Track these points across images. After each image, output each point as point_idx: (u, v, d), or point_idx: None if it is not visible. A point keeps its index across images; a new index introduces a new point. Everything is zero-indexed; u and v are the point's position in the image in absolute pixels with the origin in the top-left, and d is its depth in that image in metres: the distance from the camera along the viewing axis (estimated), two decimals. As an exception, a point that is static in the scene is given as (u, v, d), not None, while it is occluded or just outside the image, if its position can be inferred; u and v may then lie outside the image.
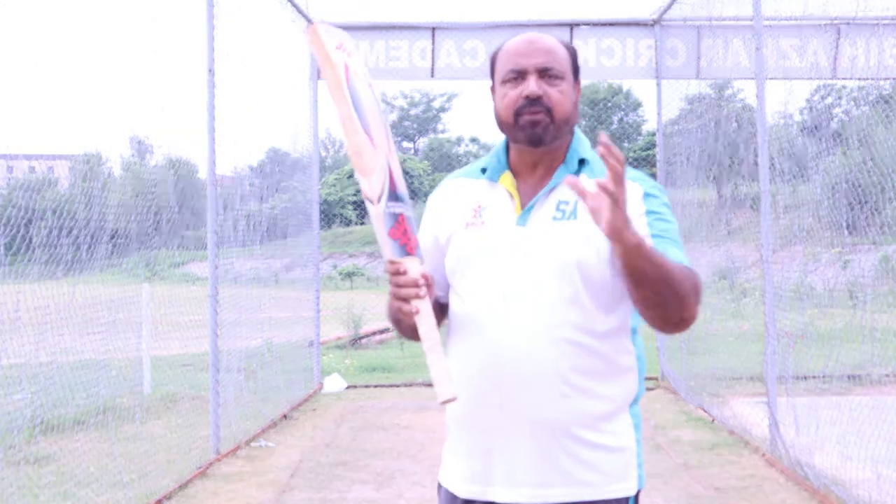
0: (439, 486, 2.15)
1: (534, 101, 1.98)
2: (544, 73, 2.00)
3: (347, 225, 39.93)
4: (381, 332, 13.61)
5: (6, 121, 4.29)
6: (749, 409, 6.99)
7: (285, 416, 7.88)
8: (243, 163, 7.71)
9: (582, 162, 2.05)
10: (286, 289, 9.33)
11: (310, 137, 9.44)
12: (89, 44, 5.03)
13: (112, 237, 5.48)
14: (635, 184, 2.01)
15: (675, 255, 1.89)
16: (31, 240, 4.60)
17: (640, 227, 1.92)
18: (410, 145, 63.38)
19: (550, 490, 1.96)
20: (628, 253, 1.74)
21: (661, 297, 1.82)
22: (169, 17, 6.08)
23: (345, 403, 8.73)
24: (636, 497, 2.03)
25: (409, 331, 2.00)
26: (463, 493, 2.05)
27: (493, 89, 2.09)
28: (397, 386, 9.65)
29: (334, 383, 9.64)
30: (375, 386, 9.75)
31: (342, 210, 40.76)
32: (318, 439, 7.10)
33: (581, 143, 2.08)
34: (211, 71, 6.48)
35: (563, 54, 2.04)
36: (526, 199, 2.03)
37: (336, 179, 43.06)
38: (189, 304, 6.78)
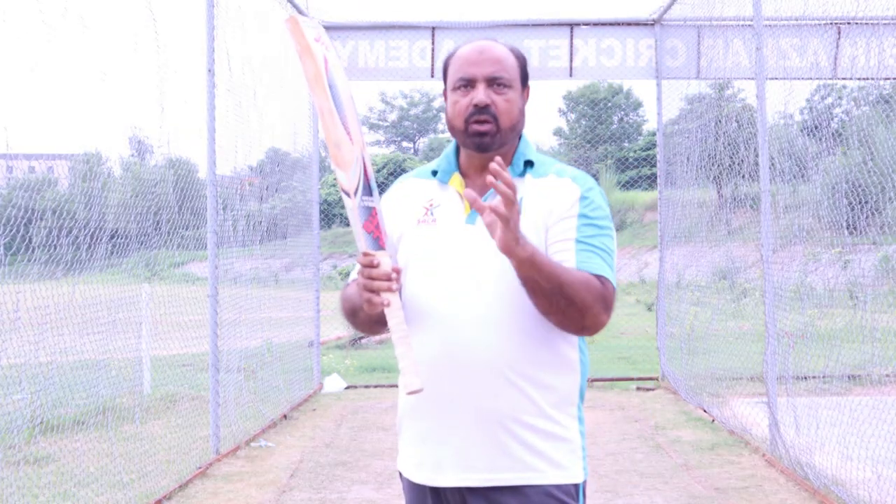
0: (400, 474, 2.25)
1: (482, 109, 2.08)
2: (493, 82, 2.10)
3: (347, 225, 39.85)
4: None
5: (6, 121, 4.28)
6: (749, 409, 6.99)
7: (285, 417, 7.87)
8: (243, 163, 7.70)
9: (528, 163, 2.17)
10: (286, 289, 9.32)
11: (310, 137, 9.44)
12: (89, 43, 5.03)
13: (112, 237, 5.47)
14: (574, 184, 2.13)
15: (593, 264, 2.01)
16: (30, 240, 4.59)
17: (569, 229, 2.05)
18: (410, 145, 63.32)
19: (500, 474, 2.06)
20: (521, 266, 1.88)
21: (557, 307, 1.94)
22: (169, 17, 6.07)
23: (345, 403, 8.73)
24: (584, 486, 2.14)
25: (366, 324, 2.14)
26: (418, 479, 2.15)
27: (445, 93, 2.19)
28: (397, 386, 9.62)
29: (334, 383, 9.64)
30: (375, 386, 9.75)
31: (342, 210, 40.67)
32: (318, 439, 7.10)
33: (527, 147, 2.20)
34: (211, 71, 6.48)
35: (513, 63, 2.15)
36: None
37: (336, 179, 42.99)
38: (189, 304, 6.76)
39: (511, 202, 1.77)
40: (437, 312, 2.07)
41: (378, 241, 1.98)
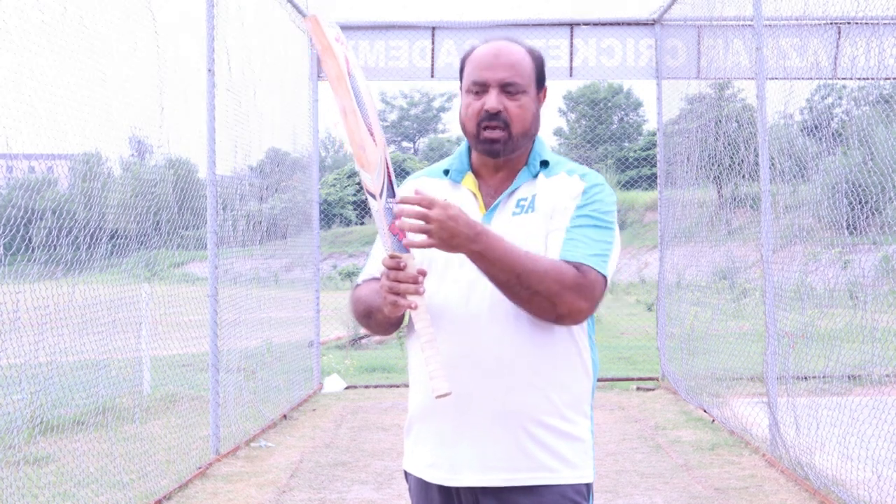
0: (406, 473, 2.23)
1: (493, 115, 2.08)
2: (505, 88, 2.09)
3: (347, 225, 39.88)
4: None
5: (6, 121, 4.27)
6: (749, 409, 6.98)
7: (285, 417, 7.87)
8: (243, 163, 7.70)
9: (543, 164, 2.18)
10: (286, 289, 9.31)
11: (310, 137, 9.43)
12: (89, 44, 5.03)
13: (112, 237, 5.47)
14: (581, 181, 2.15)
15: (576, 252, 2.01)
16: (30, 240, 4.59)
17: (564, 218, 2.08)
18: (410, 145, 63.33)
19: (517, 474, 2.05)
20: (473, 259, 1.94)
21: (519, 297, 1.96)
22: (169, 17, 6.07)
23: (344, 404, 8.72)
24: (592, 485, 2.15)
25: (382, 326, 2.12)
26: (431, 479, 2.13)
27: (461, 90, 2.19)
28: (397, 386, 9.64)
29: (334, 384, 9.63)
30: (375, 386, 9.75)
31: (342, 210, 40.72)
32: (318, 439, 7.09)
33: (542, 148, 2.20)
34: (211, 71, 6.47)
35: (528, 67, 2.13)
36: (489, 200, 2.15)
37: (336, 179, 43.05)
38: (189, 304, 6.75)
39: (426, 217, 1.87)
40: (454, 313, 2.07)
41: (403, 244, 1.97)
